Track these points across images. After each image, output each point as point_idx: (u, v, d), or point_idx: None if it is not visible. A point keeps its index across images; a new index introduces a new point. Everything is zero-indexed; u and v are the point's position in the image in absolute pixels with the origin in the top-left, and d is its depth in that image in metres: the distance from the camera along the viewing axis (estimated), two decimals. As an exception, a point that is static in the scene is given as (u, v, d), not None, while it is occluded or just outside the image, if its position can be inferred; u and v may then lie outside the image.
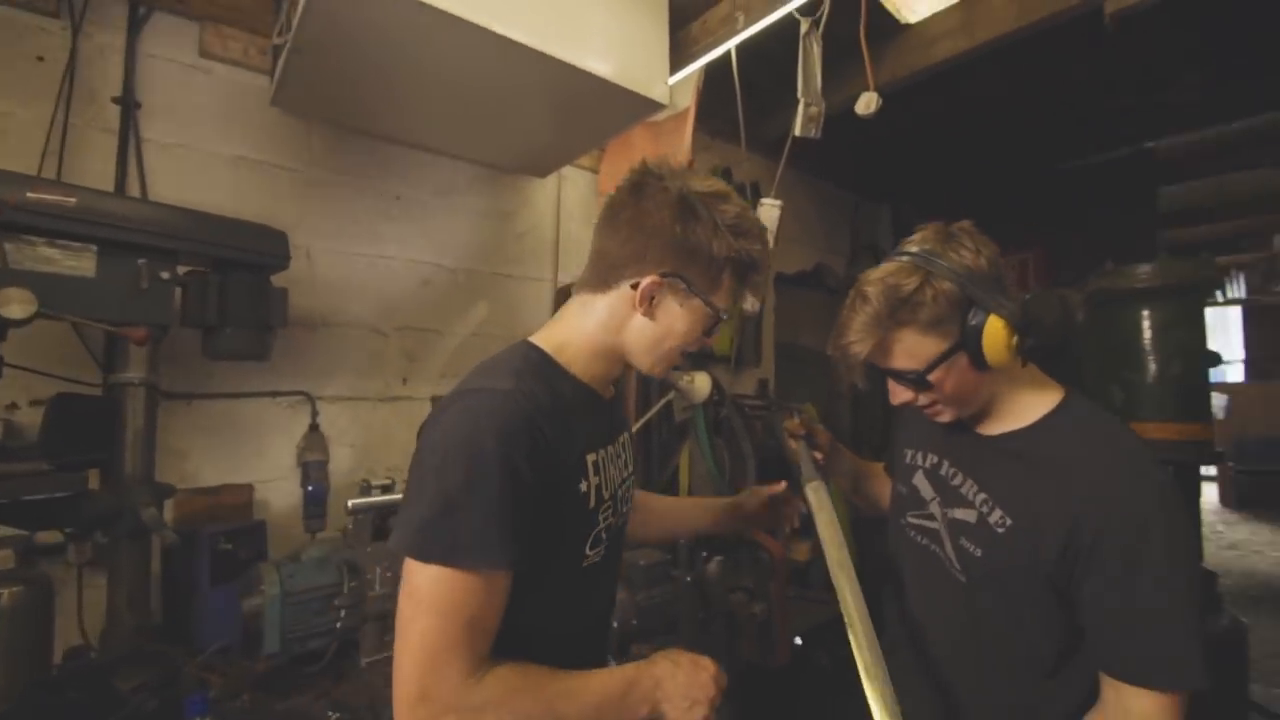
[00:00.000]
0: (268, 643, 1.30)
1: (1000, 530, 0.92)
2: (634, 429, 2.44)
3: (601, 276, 0.87)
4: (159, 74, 1.68)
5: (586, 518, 0.84)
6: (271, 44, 1.53)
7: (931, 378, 0.91)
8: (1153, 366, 2.06)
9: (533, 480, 0.73)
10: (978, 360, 0.89)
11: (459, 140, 1.96)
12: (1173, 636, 0.81)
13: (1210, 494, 7.51)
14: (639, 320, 0.86)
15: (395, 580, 1.15)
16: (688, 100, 2.08)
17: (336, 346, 1.96)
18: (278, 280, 1.64)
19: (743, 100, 1.92)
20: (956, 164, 3.99)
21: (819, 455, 1.21)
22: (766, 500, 1.24)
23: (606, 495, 0.87)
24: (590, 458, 0.84)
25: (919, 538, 1.06)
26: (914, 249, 0.94)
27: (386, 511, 1.35)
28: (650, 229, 0.82)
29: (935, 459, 1.07)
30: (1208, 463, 2.07)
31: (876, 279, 0.93)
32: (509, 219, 2.38)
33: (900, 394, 0.98)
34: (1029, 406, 0.96)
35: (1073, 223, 3.80)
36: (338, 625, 1.25)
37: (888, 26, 2.62)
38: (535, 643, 0.78)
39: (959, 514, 0.99)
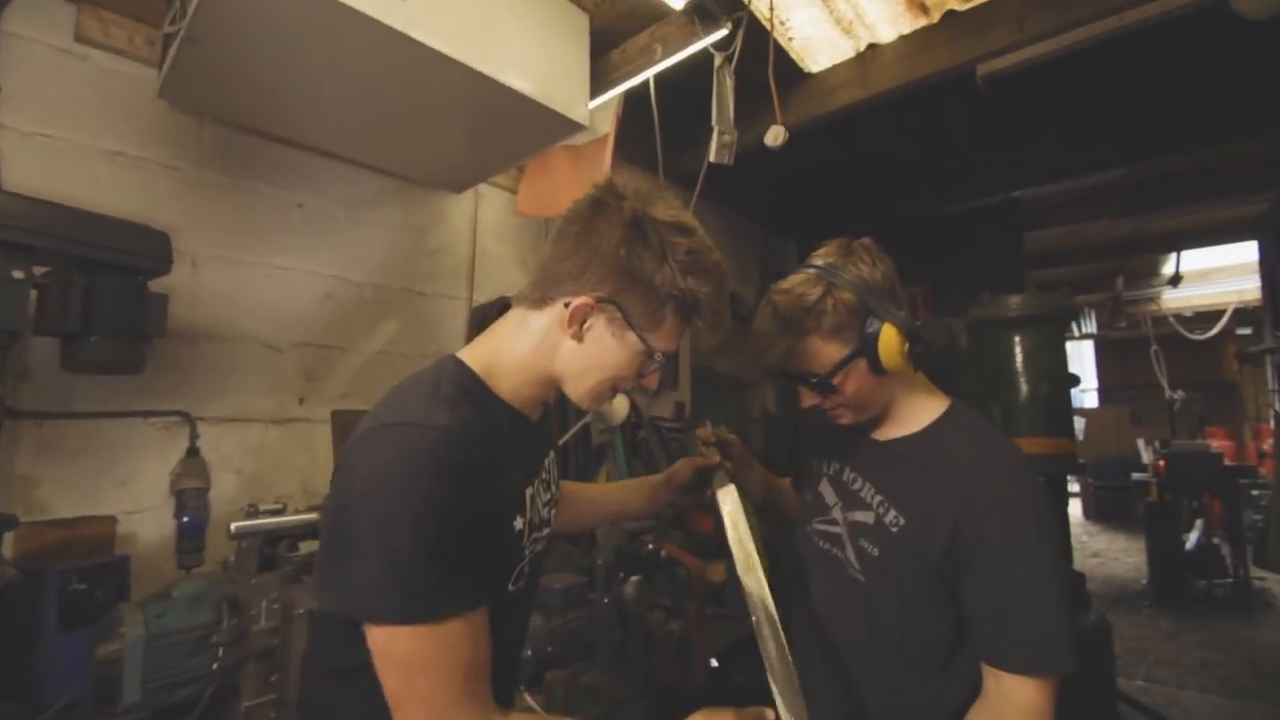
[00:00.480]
0: (126, 693, 1.14)
1: (894, 530, 0.99)
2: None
3: (540, 291, 0.81)
4: (24, 57, 1.51)
5: (516, 553, 0.80)
6: (162, 33, 1.41)
7: (835, 381, 0.98)
8: (1025, 387, 2.28)
9: (469, 517, 0.69)
10: (875, 365, 0.96)
11: (368, 148, 1.89)
12: (1044, 626, 0.88)
13: (1074, 508, 8.35)
14: (569, 344, 0.80)
15: (283, 612, 1.05)
16: (608, 126, 2.12)
17: (223, 362, 1.80)
18: (157, 287, 1.49)
19: (660, 132, 1.99)
20: (855, 204, 4.31)
21: (729, 464, 1.24)
22: (698, 468, 1.20)
23: (537, 526, 0.84)
24: (528, 491, 0.81)
25: (822, 543, 1.11)
26: (819, 262, 1.01)
27: (276, 537, 1.23)
28: (594, 246, 0.77)
29: (837, 465, 1.13)
30: (1073, 473, 2.30)
31: (784, 289, 1.00)
32: (422, 234, 2.30)
33: (808, 397, 1.05)
34: (919, 413, 1.04)
35: (955, 262, 4.19)
36: (214, 667, 1.11)
37: (793, 74, 2.83)
38: None
39: (858, 516, 1.05)
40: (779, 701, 0.81)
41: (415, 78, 1.46)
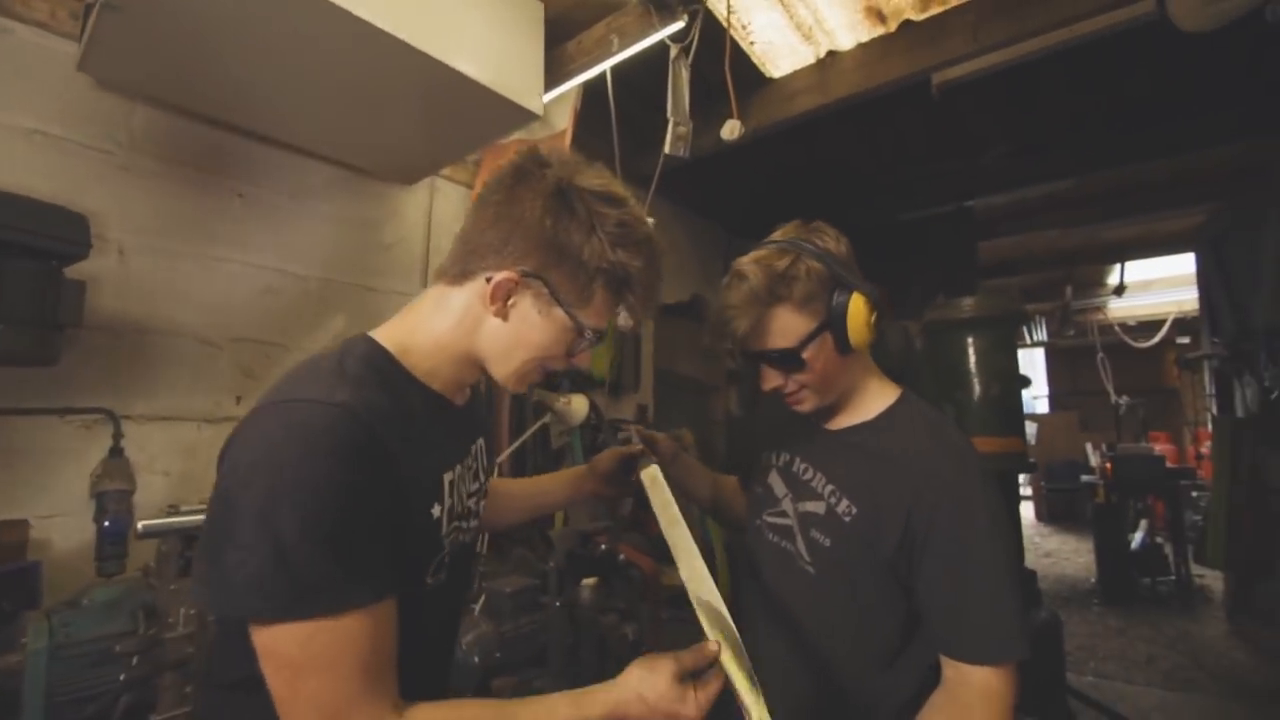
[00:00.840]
0: (27, 711, 1.05)
1: (847, 519, 0.97)
2: (508, 453, 2.33)
3: (459, 265, 0.76)
4: (-70, 26, 1.40)
5: (434, 542, 0.74)
6: (84, 2, 1.33)
7: (805, 355, 0.94)
8: (977, 387, 2.32)
9: (372, 501, 0.63)
10: (841, 340, 0.94)
11: (314, 135, 1.81)
12: (999, 615, 0.88)
13: (1027, 511, 8.60)
14: (492, 322, 0.75)
15: (199, 619, 0.98)
16: (565, 121, 2.09)
17: (152, 358, 1.70)
18: (78, 275, 1.39)
19: (618, 128, 1.96)
20: (815, 209, 4.34)
21: (654, 458, 1.23)
22: (621, 457, 1.16)
23: (460, 511, 0.78)
24: (447, 477, 0.75)
25: (772, 536, 1.09)
26: (780, 238, 0.99)
27: (191, 537, 1.15)
28: (516, 218, 0.72)
29: (787, 456, 1.10)
30: (1024, 472, 2.34)
31: (751, 260, 0.97)
32: (374, 228, 2.23)
33: (771, 378, 1.00)
34: (871, 401, 1.03)
35: (911, 268, 4.28)
36: (121, 678, 1.03)
37: (754, 79, 2.85)
38: None
39: (809, 506, 1.03)
40: (733, 679, 0.78)
41: (362, 59, 1.40)
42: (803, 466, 1.07)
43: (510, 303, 0.74)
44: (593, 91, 2.05)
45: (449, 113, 1.63)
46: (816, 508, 1.01)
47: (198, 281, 1.79)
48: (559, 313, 0.74)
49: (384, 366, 0.72)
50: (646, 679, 0.66)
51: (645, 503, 1.05)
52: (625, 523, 2.22)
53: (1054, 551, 6.67)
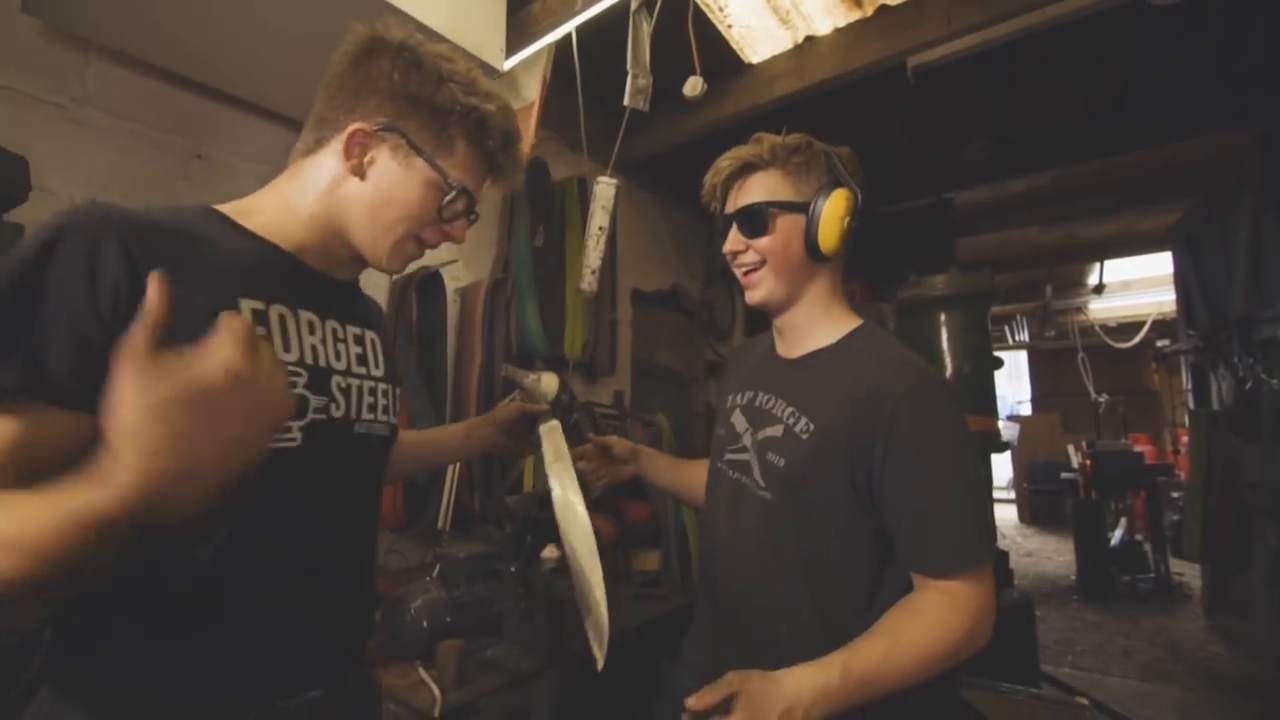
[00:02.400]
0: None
1: (804, 436, 0.94)
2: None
3: (312, 136, 0.74)
4: None
5: None
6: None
7: (773, 221, 0.96)
8: (950, 366, 2.31)
9: (84, 302, 0.54)
10: (811, 233, 0.95)
11: (269, 90, 1.75)
12: (961, 522, 0.86)
13: (1010, 512, 8.64)
14: (352, 184, 0.72)
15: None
16: (534, 93, 2.07)
17: (101, 317, 1.65)
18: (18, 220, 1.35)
19: (583, 94, 1.93)
20: (797, 203, 4.38)
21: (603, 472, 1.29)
22: (523, 411, 1.16)
23: (291, 359, 0.68)
24: (250, 304, 0.65)
25: (731, 473, 1.06)
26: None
27: None
28: (364, 76, 0.71)
29: (751, 394, 1.08)
30: (996, 451, 2.32)
31: (770, 135, 1.01)
32: (340, 199, 2.19)
33: (735, 240, 1.01)
34: (831, 329, 1.02)
35: (890, 259, 4.29)
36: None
37: (733, 65, 2.85)
38: (214, 570, 0.61)
39: (767, 432, 1.00)
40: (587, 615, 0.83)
41: (317, 6, 1.37)
42: (765, 398, 1.04)
43: (368, 159, 0.72)
44: (560, 67, 2.02)
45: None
46: (774, 431, 0.99)
47: (151, 242, 1.74)
48: (420, 163, 0.72)
49: (204, 213, 0.69)
50: None
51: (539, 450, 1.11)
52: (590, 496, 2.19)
53: (1035, 551, 6.69)
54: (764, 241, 0.98)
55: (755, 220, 0.97)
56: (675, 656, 1.16)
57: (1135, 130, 3.41)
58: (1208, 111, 3.18)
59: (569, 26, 1.66)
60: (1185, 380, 4.78)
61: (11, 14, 1.47)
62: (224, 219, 0.70)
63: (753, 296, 1.03)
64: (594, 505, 2.24)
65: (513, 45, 1.69)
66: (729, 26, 2.70)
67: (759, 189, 0.98)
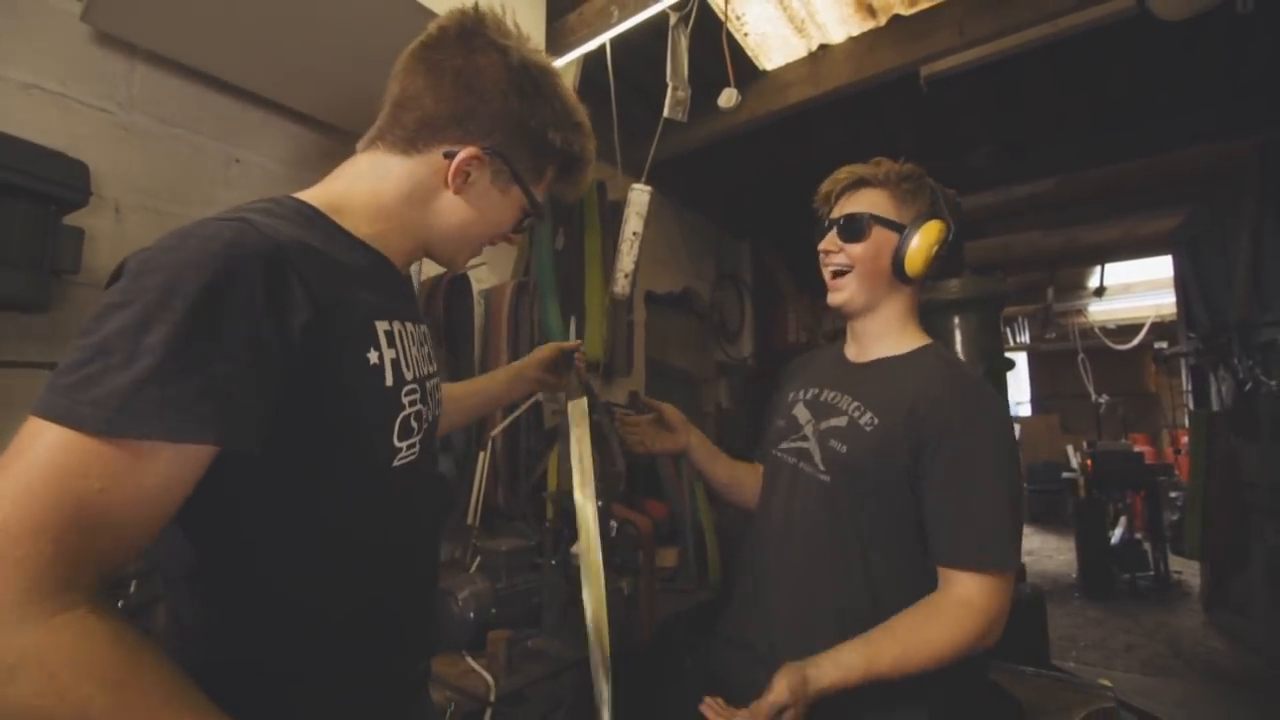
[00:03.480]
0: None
1: (869, 429, 1.02)
2: (501, 428, 2.34)
3: (408, 133, 0.70)
4: (-74, -25, 1.40)
5: (386, 397, 0.64)
6: (87, -47, 1.34)
7: (870, 231, 1.07)
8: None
9: (277, 337, 0.53)
10: (901, 252, 1.05)
11: (305, 94, 1.79)
12: (994, 525, 0.92)
13: (1010, 512, 8.70)
14: (448, 199, 0.72)
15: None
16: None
17: (147, 317, 1.69)
18: (74, 223, 1.39)
19: (617, 104, 1.98)
20: (806, 208, 4.45)
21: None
22: (560, 349, 1.23)
23: (410, 377, 0.69)
24: (381, 325, 0.66)
25: (790, 459, 1.13)
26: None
27: None
28: (480, 91, 0.69)
29: (816, 390, 1.16)
30: (1008, 450, 2.39)
31: (889, 160, 1.15)
32: (370, 202, 2.23)
33: (831, 241, 1.12)
34: (903, 342, 1.11)
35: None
36: (119, 604, 1.02)
37: (748, 71, 2.91)
38: (333, 582, 0.62)
39: (832, 422, 1.08)
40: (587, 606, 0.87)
41: (370, 18, 1.42)
42: (831, 394, 1.12)
43: (469, 180, 0.72)
44: (589, 77, 2.07)
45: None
46: (839, 421, 1.07)
47: (193, 244, 1.78)
48: (516, 191, 0.75)
49: (312, 216, 0.66)
50: None
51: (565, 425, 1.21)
52: (617, 486, 2.24)
53: (1036, 550, 6.77)
54: (857, 249, 1.07)
55: (854, 227, 1.07)
56: (695, 651, 1.24)
57: (1138, 138, 3.48)
58: (1209, 120, 3.25)
59: (605, 37, 1.71)
60: (1185, 382, 4.86)
61: (63, 19, 1.52)
62: (325, 220, 0.67)
63: (834, 298, 1.12)
64: (623, 502, 2.29)
65: (550, 53, 1.74)
66: (745, 35, 2.75)
67: (865, 202, 1.09)
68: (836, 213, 1.11)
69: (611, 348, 2.98)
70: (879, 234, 1.06)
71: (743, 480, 1.33)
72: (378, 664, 0.68)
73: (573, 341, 1.23)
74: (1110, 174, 4.11)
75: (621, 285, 1.69)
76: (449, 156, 0.70)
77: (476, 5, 0.74)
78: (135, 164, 1.69)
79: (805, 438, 1.11)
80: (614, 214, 3.07)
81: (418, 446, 0.70)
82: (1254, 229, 3.46)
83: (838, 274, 1.11)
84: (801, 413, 1.15)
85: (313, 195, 0.70)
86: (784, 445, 1.16)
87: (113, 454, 0.45)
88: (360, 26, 1.47)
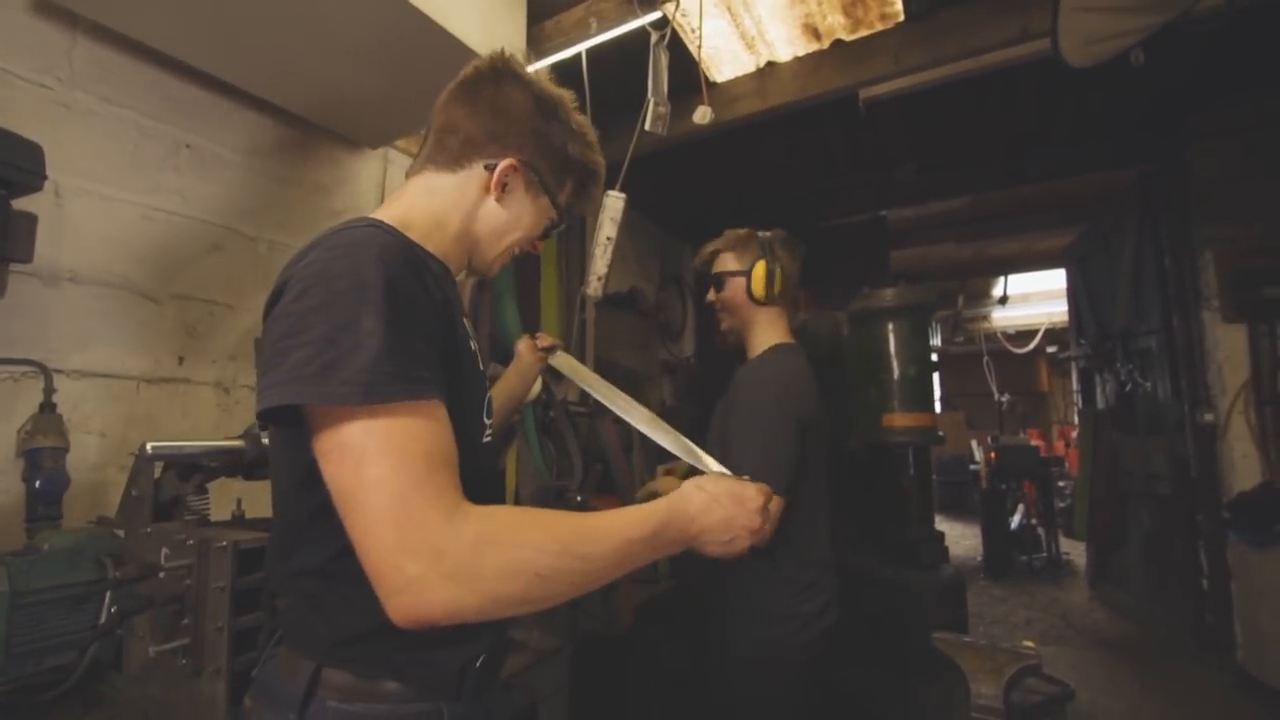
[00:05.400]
0: (-18, 660, 0.97)
1: (728, 415, 1.50)
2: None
3: (452, 154, 0.81)
4: None
5: (479, 379, 0.80)
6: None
7: (726, 282, 1.60)
8: (896, 369, 2.58)
9: (425, 311, 0.66)
10: (750, 285, 1.54)
11: (271, 80, 1.71)
12: (763, 462, 1.31)
13: (922, 503, 9.39)
14: (490, 205, 0.82)
15: (199, 548, 0.96)
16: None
17: (89, 309, 1.58)
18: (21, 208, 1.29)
19: (593, 113, 2.03)
20: (746, 216, 4.63)
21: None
22: (538, 349, 1.40)
23: (483, 368, 0.84)
24: (465, 321, 0.80)
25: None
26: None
27: (190, 469, 1.11)
28: (509, 113, 0.81)
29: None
30: (934, 443, 2.62)
31: (731, 230, 1.65)
32: (325, 193, 2.17)
33: (711, 294, 1.65)
34: (756, 347, 1.59)
35: (832, 271, 4.61)
36: (102, 620, 0.99)
37: (698, 83, 3.02)
38: None
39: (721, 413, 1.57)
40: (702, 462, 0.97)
41: (336, 3, 1.39)
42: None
43: (508, 188, 0.83)
44: (558, 83, 2.10)
45: (422, 72, 1.61)
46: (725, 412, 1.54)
47: (139, 232, 1.69)
48: (545, 200, 0.86)
49: (392, 230, 0.73)
50: (701, 479, 0.75)
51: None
52: (596, 475, 2.29)
53: (945, 536, 7.34)
54: (724, 294, 1.62)
55: (718, 281, 1.62)
56: (670, 637, 1.47)
57: (1040, 164, 3.87)
58: (1101, 152, 3.67)
59: (582, 47, 1.75)
60: (1075, 383, 5.43)
61: (14, 5, 1.41)
62: (403, 235, 0.73)
63: (721, 326, 1.68)
64: (593, 477, 2.36)
65: (526, 60, 1.77)
66: (699, 47, 2.86)
67: (721, 264, 1.63)
68: (706, 267, 1.66)
69: (568, 346, 3.01)
70: (731, 281, 1.59)
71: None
72: (466, 641, 0.75)
73: (549, 338, 1.43)
74: (1015, 194, 4.54)
75: (594, 287, 1.75)
76: (489, 169, 0.81)
77: (503, 50, 0.86)
78: (77, 145, 1.57)
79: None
80: (569, 216, 3.10)
81: (490, 429, 0.83)
82: (1135, 249, 3.93)
83: (718, 311, 1.65)
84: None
85: (381, 214, 0.77)
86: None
87: (401, 421, 0.58)
88: (335, 16, 1.44)
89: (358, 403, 0.56)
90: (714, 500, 0.71)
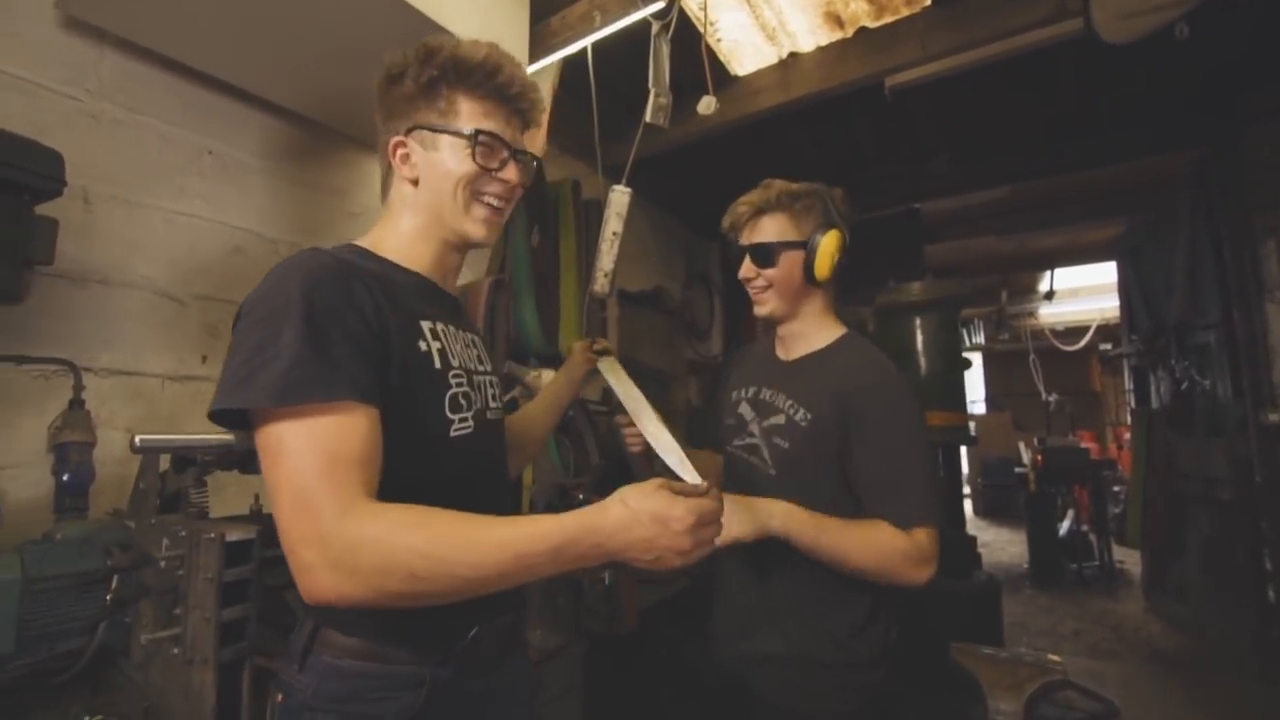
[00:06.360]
0: (-2, 642, 1.02)
1: (803, 424, 1.15)
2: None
3: (384, 175, 0.92)
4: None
5: (436, 377, 0.81)
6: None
7: (778, 257, 1.19)
8: (924, 365, 2.48)
9: (352, 321, 0.71)
10: (809, 263, 1.16)
11: (287, 87, 1.77)
12: (916, 488, 1.08)
13: (965, 507, 9.05)
14: (408, 187, 0.87)
15: (190, 539, 0.99)
16: (545, 103, 2.14)
17: (116, 310, 1.65)
18: (46, 214, 1.36)
19: (597, 105, 2.01)
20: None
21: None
22: (586, 350, 1.38)
23: (457, 364, 0.85)
24: (426, 324, 0.82)
25: (742, 454, 1.26)
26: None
27: (184, 461, 1.15)
28: (387, 110, 0.87)
29: (755, 389, 1.29)
30: (965, 443, 2.51)
31: (779, 181, 1.25)
32: (341, 195, 2.22)
33: (747, 268, 1.24)
34: (821, 335, 1.26)
35: (863, 266, 4.48)
36: (108, 599, 1.02)
37: (720, 77, 2.97)
38: None
39: (772, 420, 1.21)
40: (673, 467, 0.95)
41: (349, 12, 1.42)
42: (768, 393, 1.25)
43: (413, 161, 0.85)
44: (568, 80, 2.10)
45: (432, 75, 1.65)
46: (777, 419, 1.20)
47: (164, 236, 1.75)
48: (444, 139, 0.84)
49: (360, 250, 0.86)
50: (630, 491, 0.69)
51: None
52: (602, 473, 2.28)
53: (990, 542, 7.06)
54: (771, 272, 1.21)
55: (765, 254, 1.21)
56: (673, 640, 1.37)
57: (1084, 151, 3.68)
58: (1149, 135, 3.47)
59: (586, 41, 1.74)
60: (1127, 381, 5.15)
61: (32, 4, 1.48)
62: (373, 255, 0.85)
63: (760, 311, 1.27)
64: (599, 476, 2.34)
65: (531, 56, 1.77)
66: (718, 40, 2.82)
67: (768, 229, 1.21)
68: (745, 240, 1.24)
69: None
70: (787, 255, 1.19)
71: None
72: (457, 615, 0.78)
73: (601, 340, 1.42)
74: (1058, 183, 4.33)
75: (601, 284, 1.73)
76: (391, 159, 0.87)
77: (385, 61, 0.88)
78: (105, 152, 1.65)
79: (752, 434, 1.24)
80: (589, 212, 3.10)
81: (470, 422, 0.84)
82: (1190, 239, 3.69)
83: (760, 291, 1.25)
84: (746, 411, 1.28)
85: (360, 240, 0.89)
86: (736, 443, 1.29)
87: (309, 422, 0.64)
88: (339, 21, 1.48)
89: (272, 405, 0.64)
90: (634, 519, 0.66)
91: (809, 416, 1.14)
